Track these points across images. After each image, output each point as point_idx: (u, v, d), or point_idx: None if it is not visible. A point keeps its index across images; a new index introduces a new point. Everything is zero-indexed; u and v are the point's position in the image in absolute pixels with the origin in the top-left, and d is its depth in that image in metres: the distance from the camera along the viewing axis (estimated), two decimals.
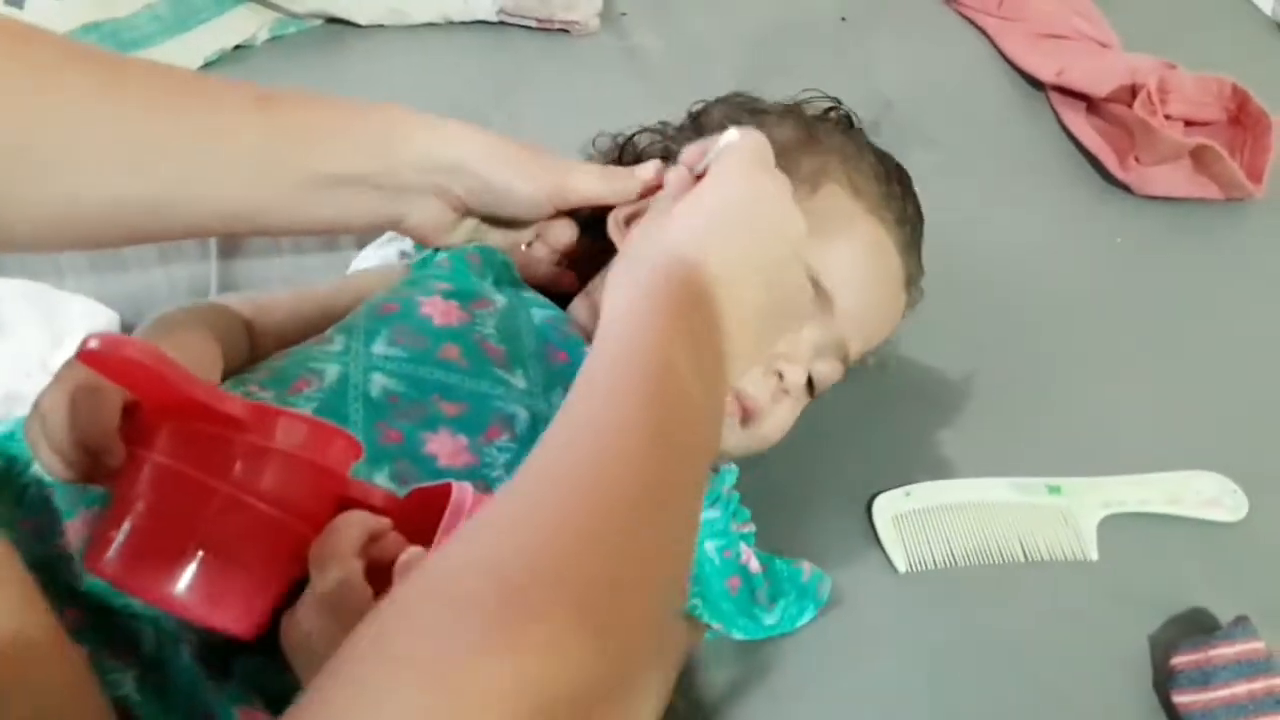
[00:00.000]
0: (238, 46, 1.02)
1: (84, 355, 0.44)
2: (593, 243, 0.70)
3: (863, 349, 0.72)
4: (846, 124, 0.77)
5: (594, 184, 0.67)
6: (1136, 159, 1.03)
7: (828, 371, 0.70)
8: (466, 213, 0.68)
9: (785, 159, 0.64)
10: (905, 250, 0.72)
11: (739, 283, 0.54)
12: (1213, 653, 0.70)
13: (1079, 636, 0.73)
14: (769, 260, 0.56)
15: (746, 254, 0.55)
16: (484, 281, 0.68)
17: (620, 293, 0.53)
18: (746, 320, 0.54)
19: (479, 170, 0.64)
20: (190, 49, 0.98)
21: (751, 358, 0.56)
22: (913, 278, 0.74)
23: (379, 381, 0.59)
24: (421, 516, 0.48)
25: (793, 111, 0.76)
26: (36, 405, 0.49)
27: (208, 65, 1.00)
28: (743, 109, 0.76)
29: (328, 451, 0.49)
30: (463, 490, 0.48)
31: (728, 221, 0.55)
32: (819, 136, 0.73)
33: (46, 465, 0.49)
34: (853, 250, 0.69)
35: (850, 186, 0.70)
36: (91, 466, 0.48)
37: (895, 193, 0.72)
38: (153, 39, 0.96)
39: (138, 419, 0.48)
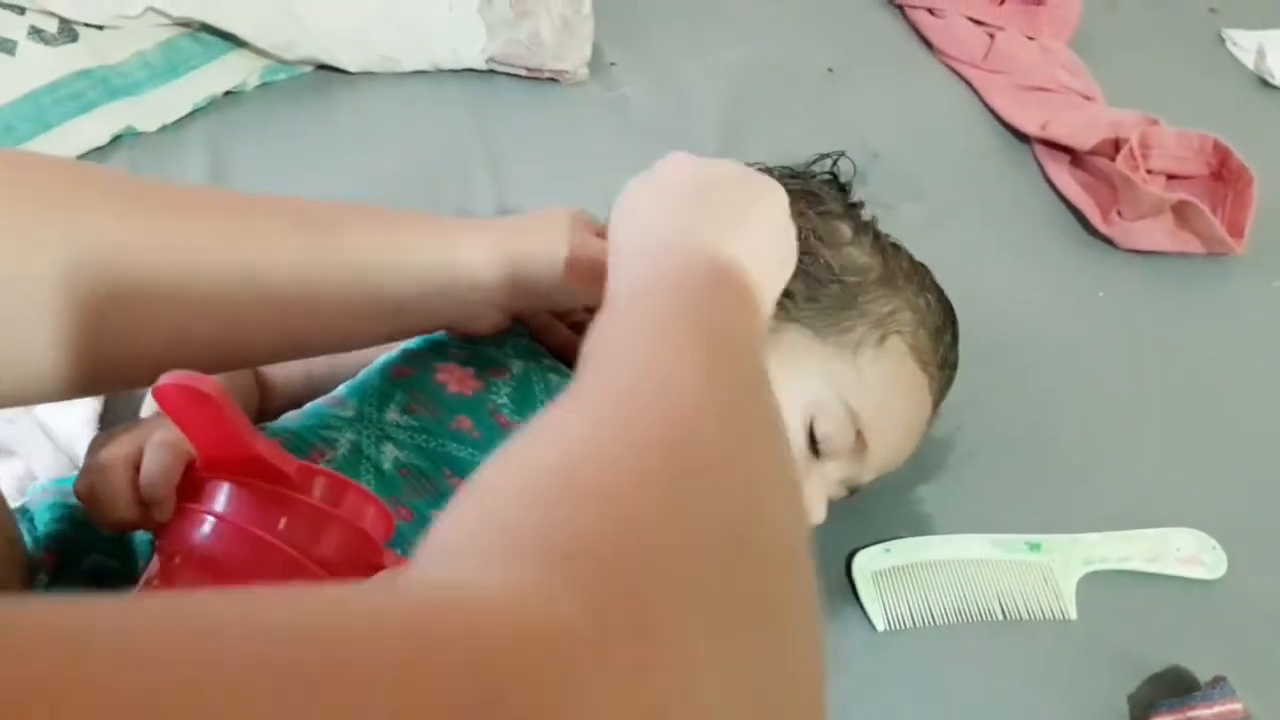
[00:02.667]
0: (228, 93, 1.03)
1: (165, 388, 0.45)
2: None
3: (873, 479, 0.72)
4: (911, 262, 0.75)
5: None
6: (1119, 213, 1.04)
7: (836, 495, 0.71)
8: (515, 312, 0.65)
9: (864, 291, 0.67)
10: (939, 394, 0.74)
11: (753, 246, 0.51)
12: (1191, 714, 0.70)
13: (1057, 697, 0.73)
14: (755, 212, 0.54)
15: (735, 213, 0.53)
16: (501, 348, 0.67)
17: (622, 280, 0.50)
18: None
19: (538, 280, 0.60)
20: (180, 95, 0.99)
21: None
22: (935, 413, 0.75)
23: (390, 453, 0.59)
24: None
25: (865, 227, 0.74)
26: (94, 458, 0.50)
27: (196, 111, 1.01)
28: (800, 198, 0.71)
29: (366, 518, 0.49)
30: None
31: (702, 197, 0.54)
32: (894, 273, 0.72)
33: (103, 516, 0.51)
34: (900, 409, 0.70)
35: (913, 343, 0.70)
36: (142, 519, 0.50)
37: (946, 342, 0.73)
38: (143, 85, 0.97)
39: (190, 470, 0.50)
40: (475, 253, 0.59)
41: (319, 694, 0.19)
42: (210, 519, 0.47)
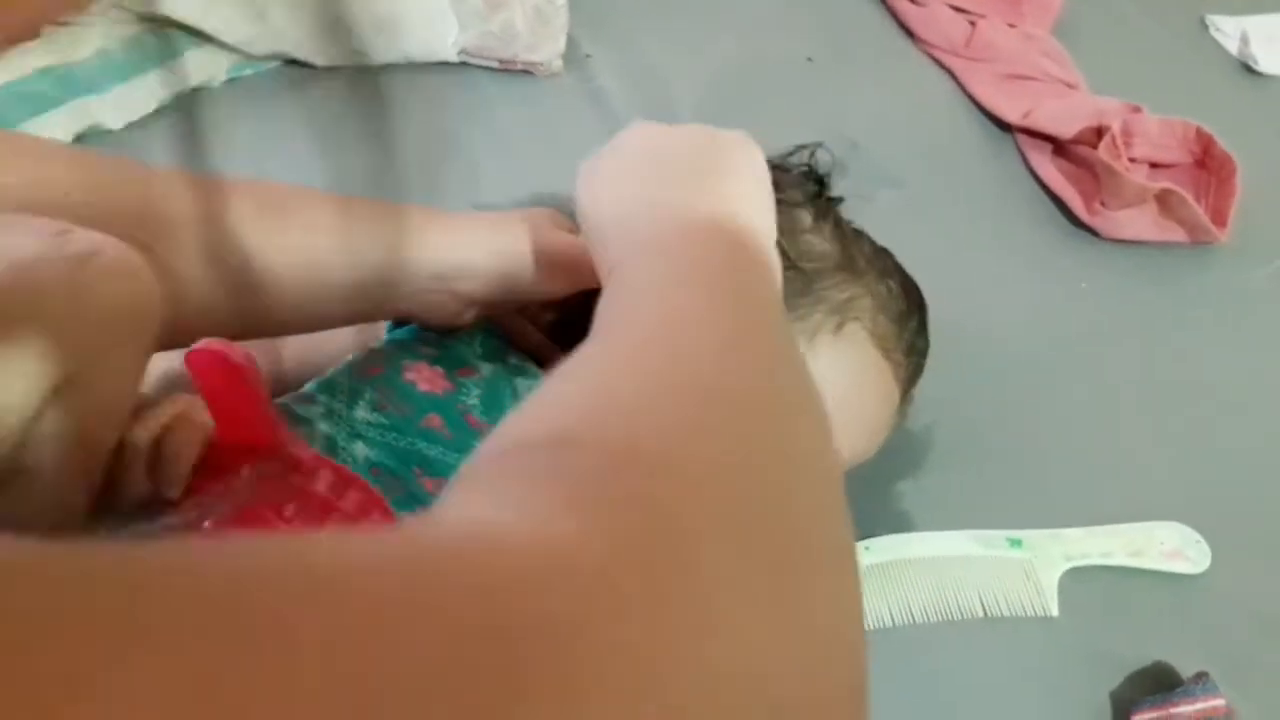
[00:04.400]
0: (195, 89, 1.01)
1: (198, 351, 0.45)
2: (581, 309, 0.68)
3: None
4: (873, 247, 0.74)
5: None
6: (1102, 203, 1.02)
7: None
8: (475, 303, 0.65)
9: (821, 278, 0.66)
10: (907, 381, 0.72)
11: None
12: (1174, 710, 0.69)
13: (1039, 695, 0.72)
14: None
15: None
16: (470, 347, 0.66)
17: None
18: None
19: (492, 270, 0.61)
20: (146, 92, 0.97)
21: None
22: (906, 402, 0.73)
23: (361, 450, 0.58)
24: None
25: (826, 214, 0.73)
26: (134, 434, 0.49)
27: (163, 108, 0.99)
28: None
29: (370, 515, 0.49)
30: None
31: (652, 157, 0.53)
32: (854, 257, 0.71)
33: (118, 498, 0.49)
34: (862, 397, 0.69)
35: (873, 329, 0.69)
36: (153, 497, 0.49)
37: (911, 328, 0.72)
38: (107, 83, 0.96)
39: (207, 447, 0.49)
40: (432, 241, 0.59)
41: (343, 627, 0.19)
42: (225, 504, 0.47)
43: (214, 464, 0.49)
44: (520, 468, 0.29)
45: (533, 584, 0.22)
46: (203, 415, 0.49)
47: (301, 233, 0.56)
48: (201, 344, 0.45)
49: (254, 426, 0.47)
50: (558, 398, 0.34)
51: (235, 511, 0.47)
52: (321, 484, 0.48)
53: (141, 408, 0.51)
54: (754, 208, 0.50)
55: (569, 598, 0.22)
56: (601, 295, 0.43)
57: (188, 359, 0.45)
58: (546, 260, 0.62)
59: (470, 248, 0.61)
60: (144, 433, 0.50)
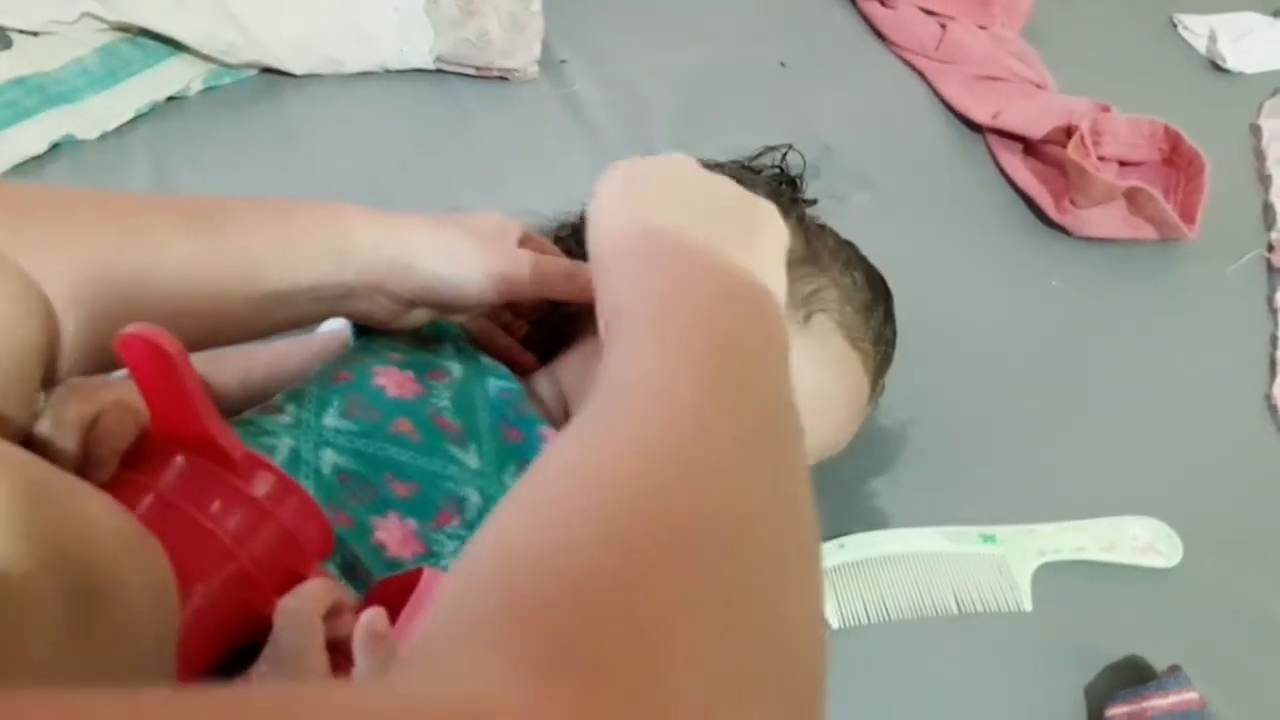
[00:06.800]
0: (171, 98, 1.01)
1: (128, 338, 0.44)
2: (558, 317, 0.69)
3: (813, 463, 0.71)
4: (837, 240, 0.75)
5: (560, 285, 0.63)
6: (1072, 201, 1.03)
7: None
8: (414, 304, 0.64)
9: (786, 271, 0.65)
10: (876, 371, 0.72)
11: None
12: (1146, 704, 0.70)
13: (1013, 689, 0.72)
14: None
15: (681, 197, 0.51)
16: (439, 351, 0.66)
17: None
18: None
19: (425, 268, 0.60)
20: (121, 102, 0.98)
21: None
22: (876, 393, 0.74)
23: (329, 458, 0.58)
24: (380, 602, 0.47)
25: (790, 210, 0.71)
26: (56, 413, 0.49)
27: (139, 117, 0.99)
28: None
29: (303, 527, 0.48)
30: (433, 575, 0.47)
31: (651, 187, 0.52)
32: (818, 251, 0.71)
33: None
34: (831, 388, 0.69)
35: (839, 320, 0.69)
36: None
37: (878, 317, 0.72)
38: (81, 92, 0.96)
39: (140, 437, 0.49)
40: (365, 239, 0.59)
41: None
42: (149, 495, 0.46)
43: (146, 452, 0.48)
44: (510, 619, 0.27)
45: None
46: (137, 404, 0.49)
47: (236, 239, 0.56)
48: (132, 328, 0.44)
49: (184, 416, 0.46)
50: (550, 521, 0.31)
51: (158, 502, 0.46)
52: (258, 487, 0.47)
53: (84, 387, 0.51)
54: (780, 278, 0.49)
55: None
56: (606, 349, 0.42)
57: (118, 343, 0.44)
58: (485, 268, 0.61)
59: (399, 250, 0.60)
60: (79, 410, 0.49)
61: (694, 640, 0.27)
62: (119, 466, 0.48)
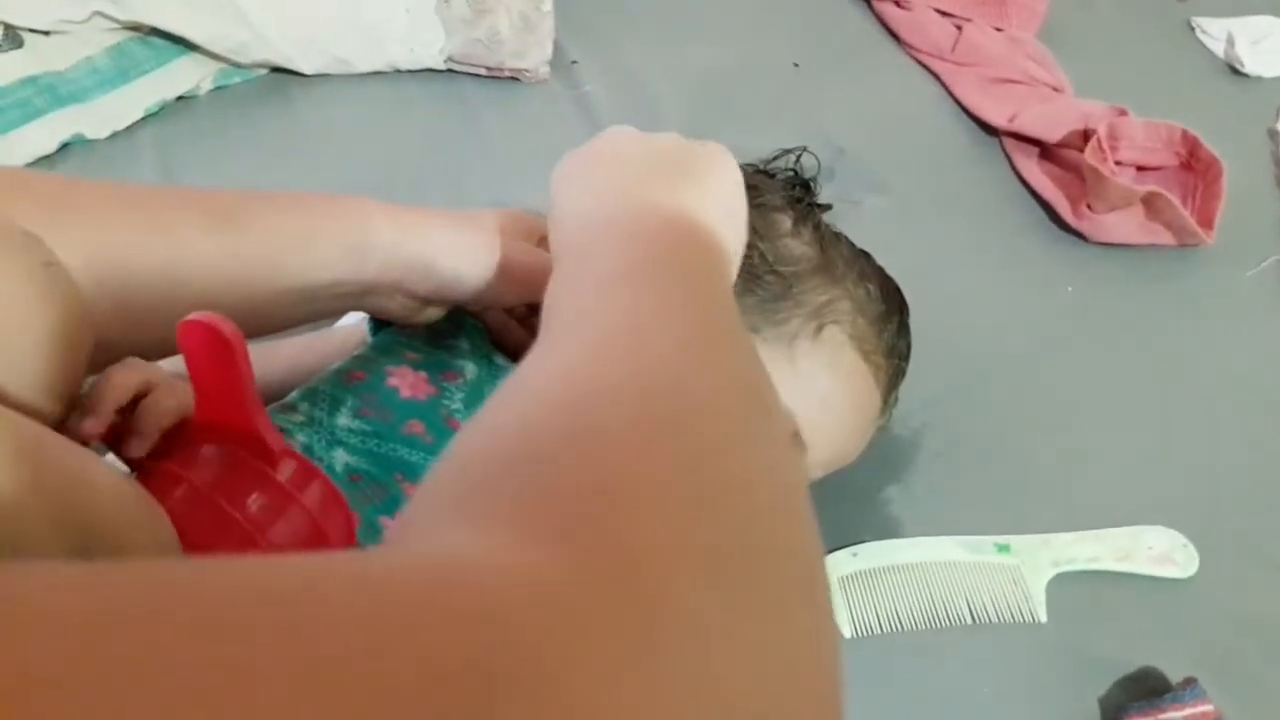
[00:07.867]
0: (180, 98, 1.01)
1: (191, 323, 0.45)
2: None
3: (823, 475, 0.71)
4: (852, 250, 0.74)
5: None
6: (1089, 206, 1.02)
7: None
8: (430, 301, 0.64)
9: (799, 282, 0.65)
10: (888, 384, 0.71)
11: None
12: (1162, 716, 0.69)
13: (1027, 701, 0.72)
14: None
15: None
16: (455, 350, 0.66)
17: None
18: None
19: (444, 267, 0.60)
20: (131, 101, 0.97)
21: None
22: (889, 405, 0.73)
23: (341, 458, 0.58)
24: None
25: (806, 219, 0.72)
26: (108, 374, 0.50)
27: (148, 116, 0.99)
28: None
29: (332, 521, 0.49)
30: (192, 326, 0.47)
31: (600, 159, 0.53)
32: (833, 260, 0.70)
33: (79, 420, 0.49)
34: (842, 401, 0.68)
35: (852, 332, 0.68)
36: (107, 438, 0.50)
37: (891, 330, 0.71)
38: (91, 92, 0.95)
39: (181, 423, 0.50)
40: (385, 236, 0.59)
41: (294, 668, 0.18)
42: (185, 483, 0.47)
43: (185, 438, 0.49)
44: (481, 493, 0.28)
45: (508, 619, 0.21)
46: (186, 393, 0.49)
47: (259, 235, 0.56)
48: (194, 315, 0.44)
49: (232, 405, 0.46)
50: (515, 414, 0.33)
51: (192, 494, 0.47)
52: (283, 473, 0.48)
53: (138, 362, 0.52)
54: (720, 213, 0.49)
55: (544, 631, 0.21)
56: (549, 284, 0.43)
57: (179, 329, 0.45)
58: (502, 266, 0.61)
59: (418, 247, 0.60)
60: (133, 375, 0.50)
61: (663, 504, 0.28)
62: (149, 457, 0.49)
